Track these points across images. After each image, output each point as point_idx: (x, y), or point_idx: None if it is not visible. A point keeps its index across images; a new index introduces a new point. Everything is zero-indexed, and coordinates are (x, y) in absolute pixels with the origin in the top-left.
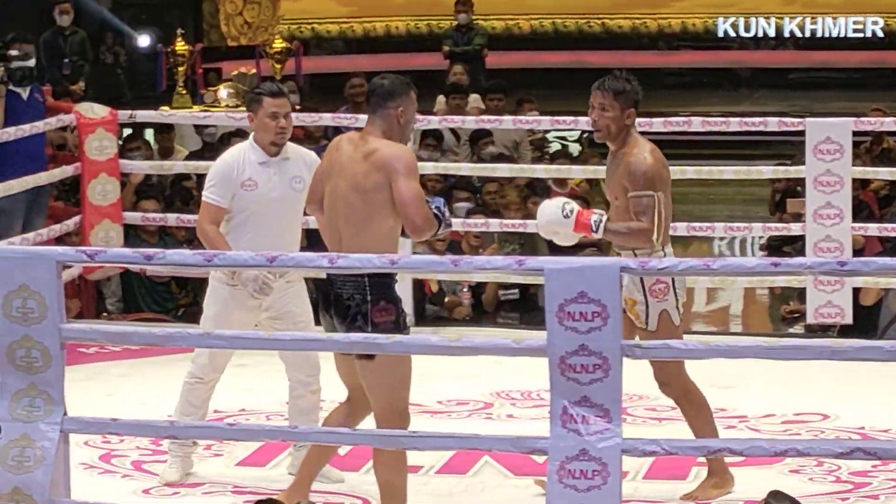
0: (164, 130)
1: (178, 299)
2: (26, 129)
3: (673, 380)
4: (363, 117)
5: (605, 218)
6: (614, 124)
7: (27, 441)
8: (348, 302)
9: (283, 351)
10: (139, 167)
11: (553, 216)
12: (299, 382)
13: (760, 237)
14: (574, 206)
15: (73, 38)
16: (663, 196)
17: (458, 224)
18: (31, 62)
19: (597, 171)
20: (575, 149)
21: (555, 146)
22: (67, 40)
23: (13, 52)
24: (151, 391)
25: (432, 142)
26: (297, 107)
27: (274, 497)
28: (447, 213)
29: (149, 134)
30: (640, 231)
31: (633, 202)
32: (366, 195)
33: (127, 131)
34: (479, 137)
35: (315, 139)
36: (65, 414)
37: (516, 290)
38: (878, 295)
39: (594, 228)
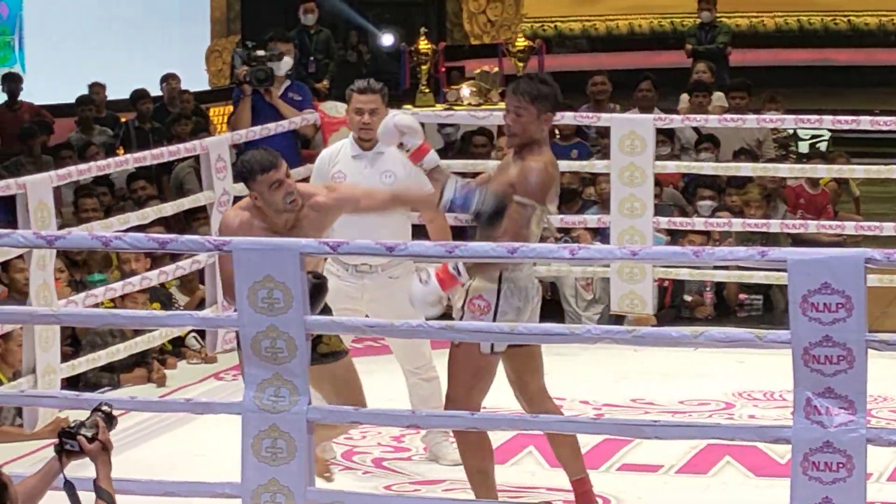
0: None
1: None
2: (271, 128)
3: (456, 396)
4: (605, 115)
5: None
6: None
7: (277, 432)
8: None
9: (393, 343)
10: None
11: (417, 293)
12: (409, 373)
13: None
14: (428, 270)
15: (318, 36)
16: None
17: (700, 223)
18: (279, 63)
19: (841, 170)
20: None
21: (802, 145)
22: (313, 39)
23: (260, 53)
24: (397, 387)
25: (662, 138)
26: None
27: None
28: None
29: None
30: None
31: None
32: None
33: None
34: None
35: (565, 137)
36: (309, 403)
37: (759, 297)
38: None
39: (458, 273)
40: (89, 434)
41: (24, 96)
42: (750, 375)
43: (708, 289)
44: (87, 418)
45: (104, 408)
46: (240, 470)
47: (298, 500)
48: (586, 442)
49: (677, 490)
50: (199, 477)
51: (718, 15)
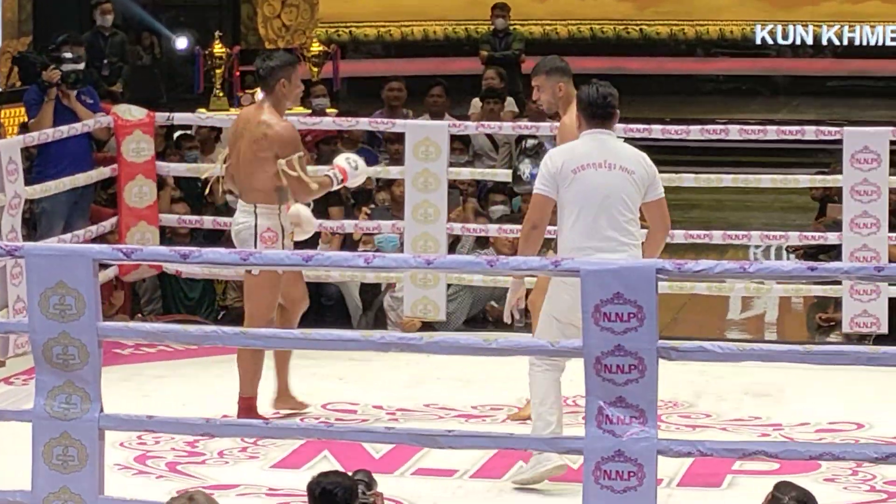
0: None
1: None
2: (64, 131)
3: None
4: (399, 121)
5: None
6: None
7: (68, 440)
8: None
9: None
10: (175, 169)
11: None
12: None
13: (795, 247)
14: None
15: (113, 39)
16: None
17: (494, 230)
18: (82, 65)
19: None
20: None
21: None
22: (108, 41)
23: (67, 55)
24: (188, 393)
25: (459, 146)
26: (332, 110)
27: None
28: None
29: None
30: None
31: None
32: None
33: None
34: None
35: (353, 143)
36: (101, 411)
37: None
38: None
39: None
40: None
41: None
42: None
43: None
44: None
45: None
46: (30, 478)
47: None
48: (380, 448)
49: (472, 494)
50: None
51: (511, 23)
